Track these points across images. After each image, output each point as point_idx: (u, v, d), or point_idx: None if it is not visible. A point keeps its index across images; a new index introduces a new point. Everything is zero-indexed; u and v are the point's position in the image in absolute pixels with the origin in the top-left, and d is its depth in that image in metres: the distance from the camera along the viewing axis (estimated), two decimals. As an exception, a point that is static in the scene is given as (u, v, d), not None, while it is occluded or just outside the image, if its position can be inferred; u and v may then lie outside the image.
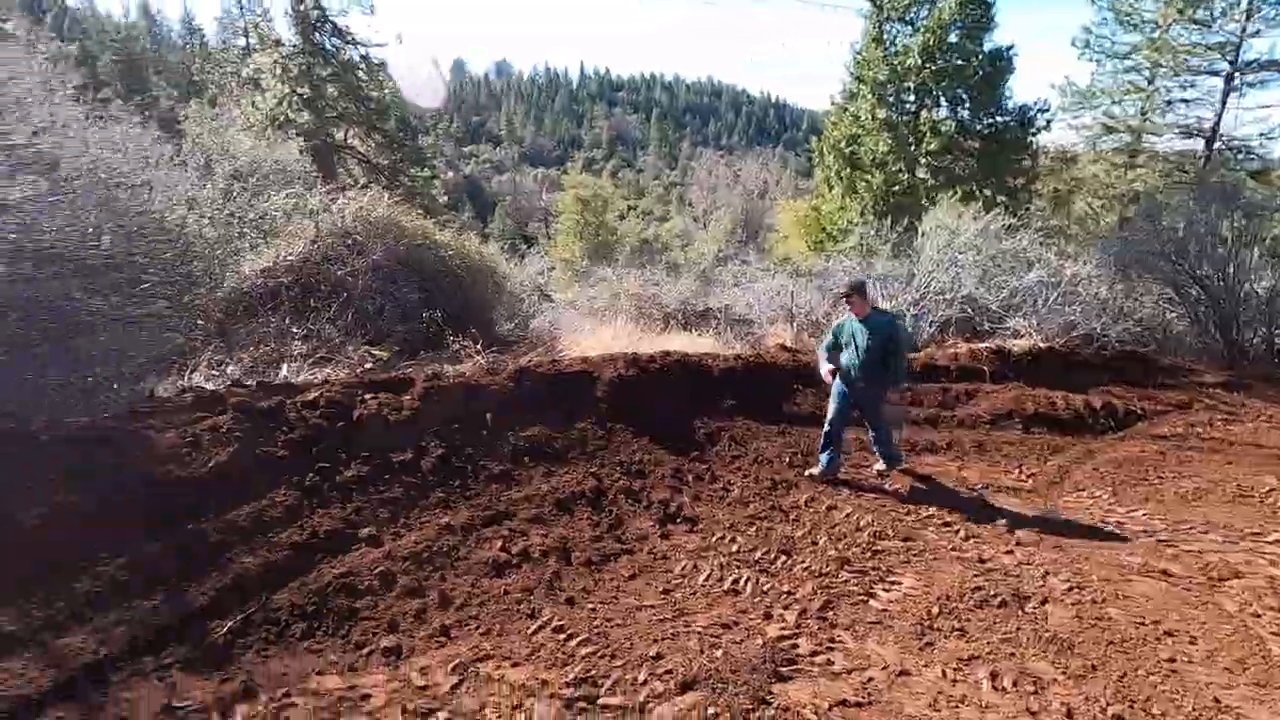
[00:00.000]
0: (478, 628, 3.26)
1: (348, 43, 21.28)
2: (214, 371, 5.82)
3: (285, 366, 5.86)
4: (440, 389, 4.84)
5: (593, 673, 2.87)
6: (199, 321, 6.44)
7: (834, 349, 5.18)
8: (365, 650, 3.02)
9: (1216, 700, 2.87)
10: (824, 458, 5.21)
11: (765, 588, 3.63)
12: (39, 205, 4.78)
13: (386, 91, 22.25)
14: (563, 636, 3.16)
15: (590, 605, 3.48)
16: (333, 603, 3.21)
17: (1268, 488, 5.44)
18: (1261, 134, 17.38)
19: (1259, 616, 3.53)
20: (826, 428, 5.20)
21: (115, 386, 4.80)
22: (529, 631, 3.21)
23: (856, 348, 5.01)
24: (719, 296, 11.93)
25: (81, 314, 4.78)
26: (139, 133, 7.07)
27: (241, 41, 30.37)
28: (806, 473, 5.28)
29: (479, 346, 6.38)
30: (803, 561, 3.96)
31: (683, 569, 3.82)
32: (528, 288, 11.22)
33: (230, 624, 2.92)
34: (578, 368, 5.82)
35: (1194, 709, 2.81)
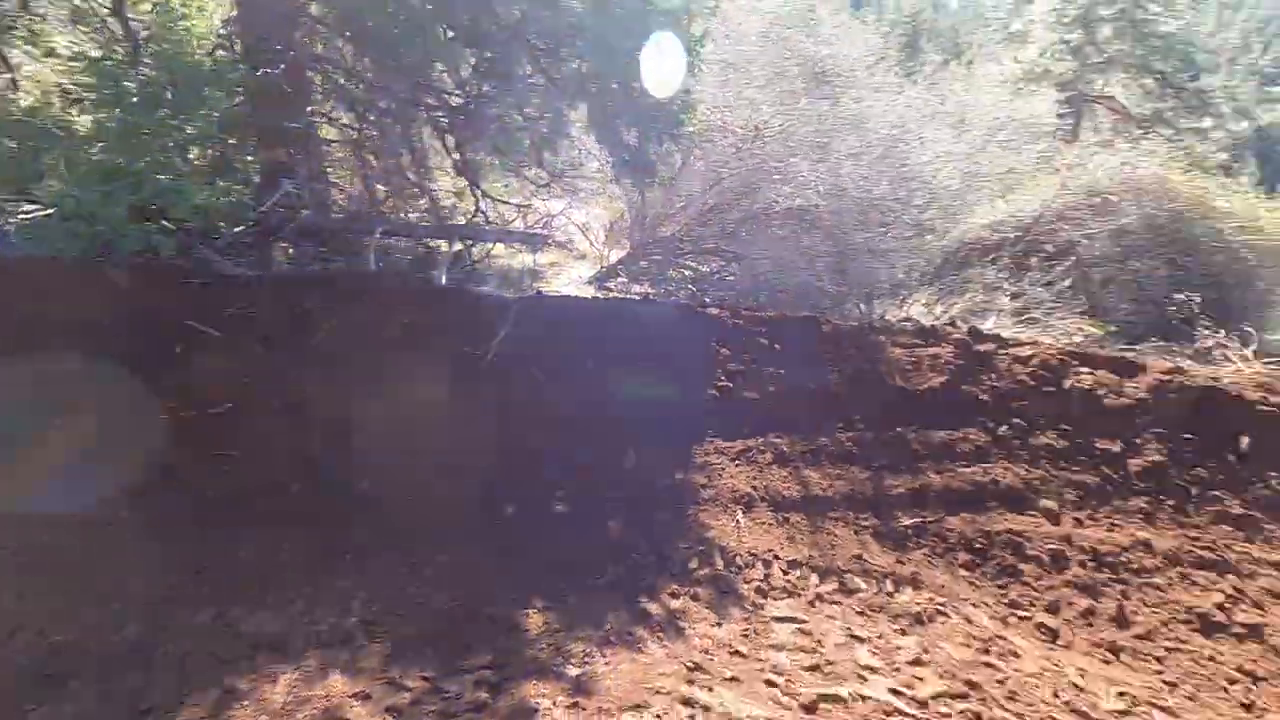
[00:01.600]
0: (1159, 672, 2.72)
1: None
2: (924, 309, 6.45)
3: (992, 319, 5.94)
4: (1180, 388, 3.95)
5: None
6: (922, 262, 7.20)
7: None
8: (1018, 612, 2.97)
9: None
10: None
11: None
12: (846, 155, 6.18)
13: (1181, 22, 18.07)
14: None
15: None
16: (997, 552, 3.25)
17: None
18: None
19: None
20: None
21: (859, 305, 5.95)
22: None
23: None
24: None
25: (852, 241, 6.07)
26: (920, 93, 8.10)
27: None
28: None
29: (1248, 351, 4.81)
30: None
31: None
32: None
33: (908, 520, 3.36)
34: None
35: None
